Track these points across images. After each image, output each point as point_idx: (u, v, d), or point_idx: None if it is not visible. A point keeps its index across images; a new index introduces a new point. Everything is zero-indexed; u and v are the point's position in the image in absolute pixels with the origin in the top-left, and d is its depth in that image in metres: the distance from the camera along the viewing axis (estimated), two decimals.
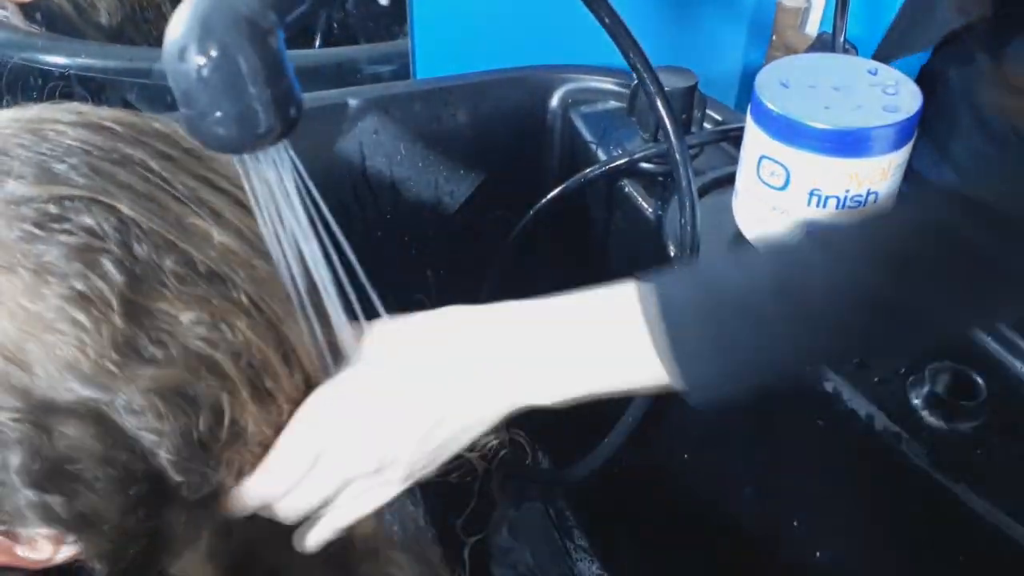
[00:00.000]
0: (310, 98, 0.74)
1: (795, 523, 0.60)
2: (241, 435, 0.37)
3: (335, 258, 0.39)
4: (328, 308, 0.40)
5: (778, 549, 0.64)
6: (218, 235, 0.37)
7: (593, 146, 0.78)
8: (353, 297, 0.41)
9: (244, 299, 0.37)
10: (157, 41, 0.97)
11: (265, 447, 0.39)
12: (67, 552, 0.39)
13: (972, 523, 0.47)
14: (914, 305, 0.39)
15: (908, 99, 0.53)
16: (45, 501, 0.34)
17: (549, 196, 0.74)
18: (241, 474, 0.39)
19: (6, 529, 0.37)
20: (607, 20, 0.55)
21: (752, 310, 0.39)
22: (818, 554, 0.59)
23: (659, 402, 0.64)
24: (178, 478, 0.36)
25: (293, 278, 0.38)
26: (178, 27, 0.32)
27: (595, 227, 0.78)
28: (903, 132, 0.52)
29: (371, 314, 0.43)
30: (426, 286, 0.85)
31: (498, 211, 0.82)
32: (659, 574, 0.80)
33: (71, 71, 0.81)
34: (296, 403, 0.40)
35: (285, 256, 0.38)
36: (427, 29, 0.83)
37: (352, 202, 0.80)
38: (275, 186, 0.36)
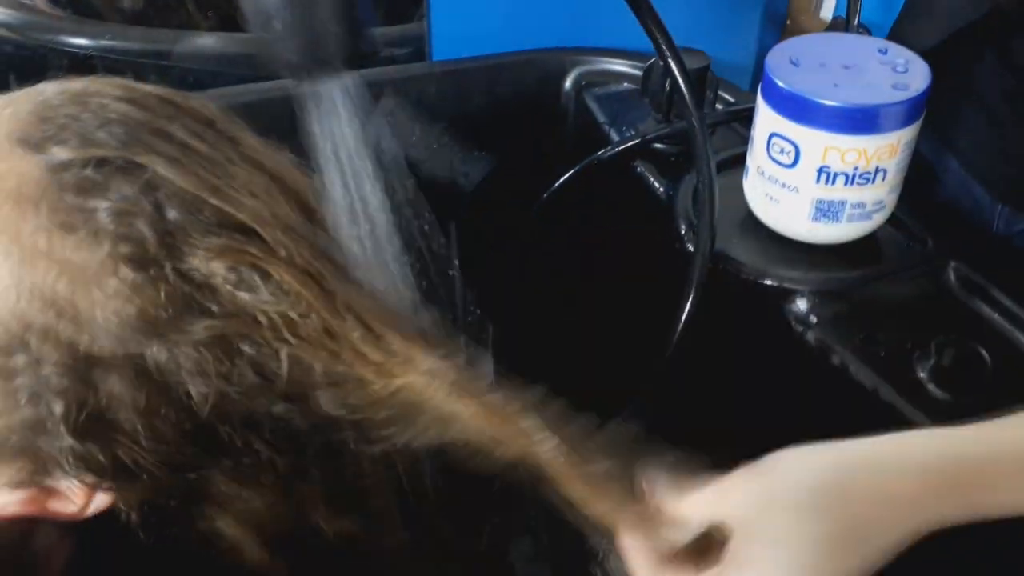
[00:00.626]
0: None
1: None
2: (305, 383, 0.38)
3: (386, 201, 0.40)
4: (382, 250, 0.41)
5: None
6: (248, 198, 0.38)
7: (606, 127, 0.79)
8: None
9: (281, 251, 0.37)
10: (177, 25, 0.99)
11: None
12: (97, 506, 0.40)
13: None
14: None
15: (918, 77, 0.53)
16: (87, 450, 0.36)
17: (563, 178, 0.75)
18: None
19: (39, 481, 0.39)
20: None
21: None
22: None
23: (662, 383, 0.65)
24: (226, 433, 0.37)
25: (349, 219, 0.39)
26: None
27: (607, 207, 0.79)
28: (912, 109, 0.52)
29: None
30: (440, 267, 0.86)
31: (512, 192, 0.83)
32: None
33: (94, 53, 0.83)
34: (360, 354, 0.38)
35: (339, 195, 0.39)
36: (443, 12, 0.84)
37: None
38: (337, 120, 0.38)
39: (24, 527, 0.40)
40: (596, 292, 0.85)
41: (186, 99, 0.41)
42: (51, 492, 0.40)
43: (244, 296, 0.36)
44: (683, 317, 0.59)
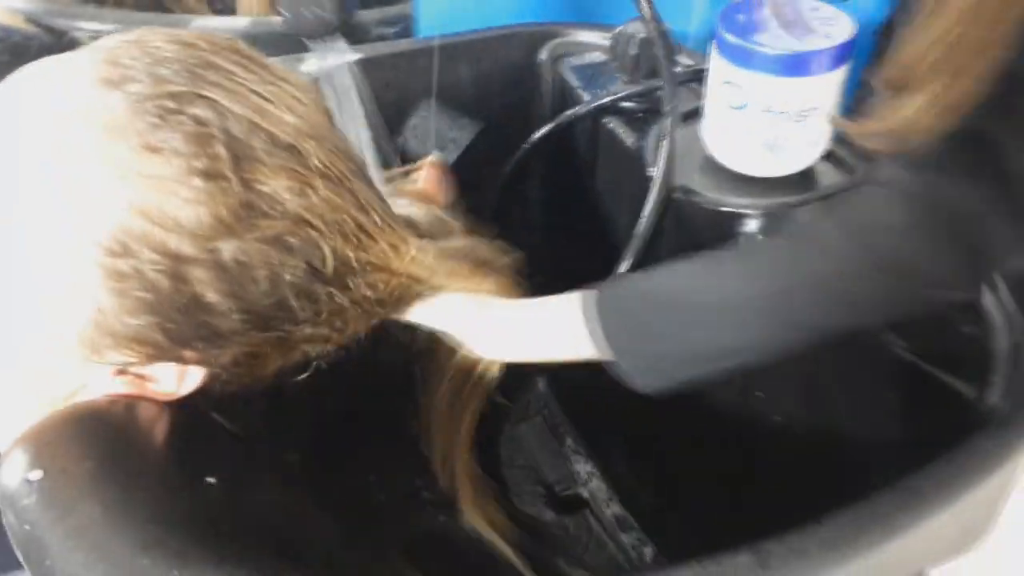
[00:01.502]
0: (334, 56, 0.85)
1: (758, 393, 0.72)
2: (344, 275, 0.48)
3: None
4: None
5: (744, 420, 0.75)
6: (288, 117, 0.46)
7: (580, 91, 0.88)
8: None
9: (318, 164, 0.46)
10: (179, 8, 1.06)
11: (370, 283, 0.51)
12: (187, 387, 0.48)
13: (895, 363, 0.58)
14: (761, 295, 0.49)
15: (844, 28, 0.64)
16: (188, 325, 0.44)
17: (542, 131, 0.85)
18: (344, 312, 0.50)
19: (150, 361, 0.47)
20: None
21: (669, 304, 0.51)
22: (777, 418, 0.70)
23: None
24: (293, 312, 0.46)
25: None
26: None
27: (583, 158, 0.89)
28: (839, 55, 0.63)
29: None
30: None
31: (497, 153, 0.92)
32: (640, 465, 0.92)
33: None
34: (385, 239, 0.51)
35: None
36: None
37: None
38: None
39: (129, 404, 0.48)
40: (574, 229, 0.95)
41: (223, 38, 0.49)
42: (149, 378, 0.48)
43: (294, 202, 0.45)
44: (646, 212, 0.70)
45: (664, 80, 0.67)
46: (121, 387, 0.47)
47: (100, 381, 0.47)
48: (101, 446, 0.44)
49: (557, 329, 0.56)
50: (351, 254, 0.48)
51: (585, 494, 1.01)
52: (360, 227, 0.49)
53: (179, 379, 0.48)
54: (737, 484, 0.78)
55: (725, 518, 0.81)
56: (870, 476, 0.56)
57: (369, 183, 0.51)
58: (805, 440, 0.67)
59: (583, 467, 1.01)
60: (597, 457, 0.98)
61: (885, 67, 0.43)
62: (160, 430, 0.47)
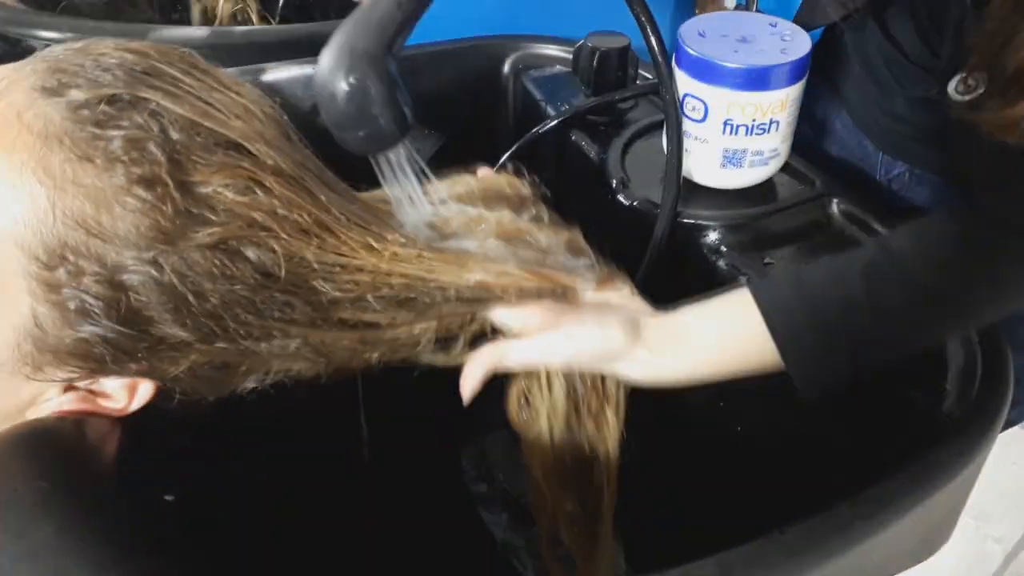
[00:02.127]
0: (293, 67, 0.84)
1: (721, 403, 0.72)
2: (303, 279, 0.45)
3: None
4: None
5: (709, 432, 0.76)
6: (236, 122, 0.45)
7: (543, 104, 0.88)
8: None
9: (268, 162, 0.44)
10: (144, 19, 1.05)
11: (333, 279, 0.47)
12: (139, 402, 0.47)
13: None
14: (953, 295, 0.50)
15: (800, 45, 0.65)
16: (130, 338, 0.43)
17: (511, 151, 0.85)
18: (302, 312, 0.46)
19: (92, 378, 0.46)
20: None
21: (840, 303, 0.50)
22: (739, 428, 0.71)
23: None
24: (235, 316, 0.44)
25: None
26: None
27: (547, 171, 0.89)
28: (796, 70, 0.64)
29: None
30: None
31: (461, 163, 0.92)
32: None
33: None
34: (348, 240, 0.47)
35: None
36: None
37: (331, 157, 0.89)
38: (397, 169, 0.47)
39: (78, 420, 0.46)
40: None
41: (174, 48, 0.48)
42: (100, 393, 0.47)
43: (240, 201, 0.43)
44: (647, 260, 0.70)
45: (662, 87, 0.67)
46: (71, 404, 0.46)
47: (49, 398, 0.46)
48: (54, 465, 0.43)
49: (731, 335, 0.53)
50: (309, 255, 0.45)
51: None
52: (320, 224, 0.46)
53: (130, 394, 0.47)
54: (704, 496, 0.79)
55: (694, 531, 0.81)
56: (829, 486, 0.56)
57: (333, 184, 0.49)
58: (767, 450, 0.68)
59: None
60: None
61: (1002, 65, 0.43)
62: (112, 448, 0.47)
